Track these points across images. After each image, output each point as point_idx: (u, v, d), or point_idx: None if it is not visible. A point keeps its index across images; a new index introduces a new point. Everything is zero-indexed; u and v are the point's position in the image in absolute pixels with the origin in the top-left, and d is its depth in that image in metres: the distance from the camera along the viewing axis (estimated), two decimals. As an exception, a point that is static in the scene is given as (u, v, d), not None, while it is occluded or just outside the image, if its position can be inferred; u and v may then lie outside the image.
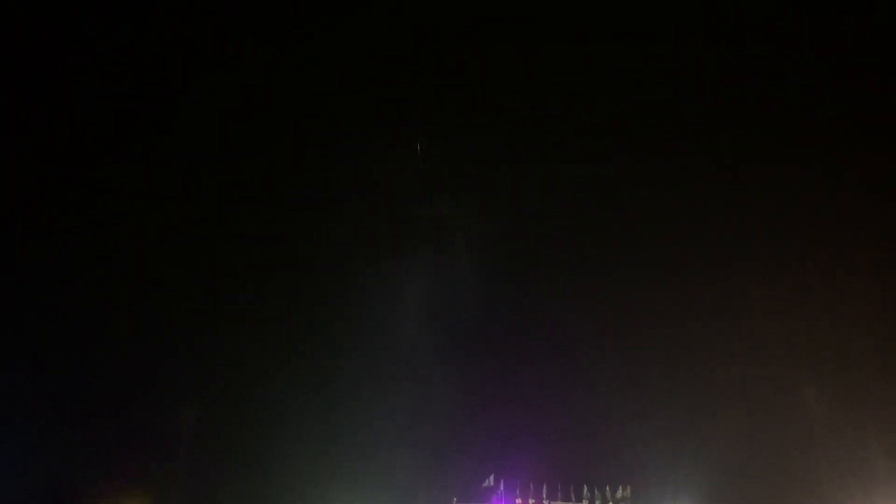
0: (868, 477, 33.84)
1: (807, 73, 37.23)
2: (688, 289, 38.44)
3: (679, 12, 38.24)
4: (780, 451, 35.52)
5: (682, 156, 39.16)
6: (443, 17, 39.06)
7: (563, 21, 39.16)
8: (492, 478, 39.35)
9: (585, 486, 38.55)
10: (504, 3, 39.75)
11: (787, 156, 38.10)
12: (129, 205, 40.38)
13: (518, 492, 39.14)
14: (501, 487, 38.98)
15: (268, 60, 39.98)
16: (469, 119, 40.11)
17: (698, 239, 38.72)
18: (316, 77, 40.56)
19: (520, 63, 39.82)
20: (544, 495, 38.91)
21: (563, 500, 38.65)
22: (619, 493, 38.19)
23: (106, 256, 39.86)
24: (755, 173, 39.28)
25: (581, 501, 38.46)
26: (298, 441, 36.99)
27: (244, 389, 38.08)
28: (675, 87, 38.80)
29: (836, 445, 34.81)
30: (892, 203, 36.59)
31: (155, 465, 36.44)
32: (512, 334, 40.90)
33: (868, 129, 37.15)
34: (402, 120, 40.25)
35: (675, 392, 36.81)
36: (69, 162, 39.14)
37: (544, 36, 39.16)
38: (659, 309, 38.45)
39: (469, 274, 40.55)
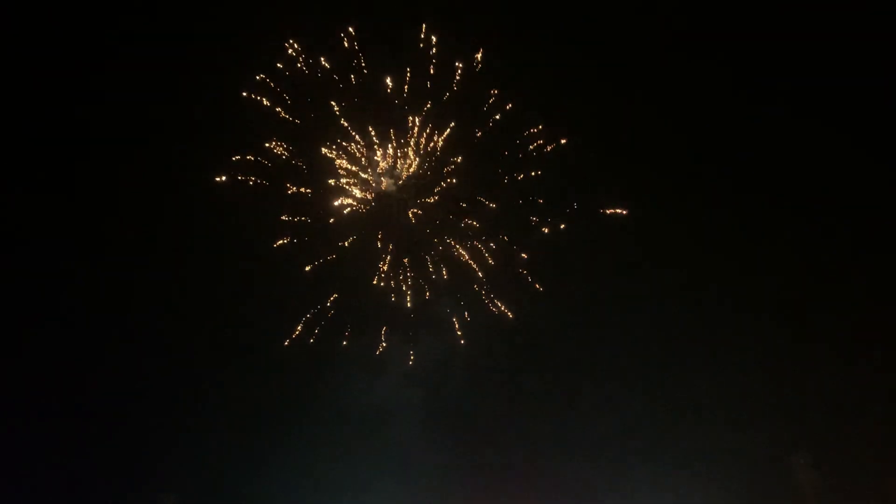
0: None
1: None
2: (675, 359, 38.24)
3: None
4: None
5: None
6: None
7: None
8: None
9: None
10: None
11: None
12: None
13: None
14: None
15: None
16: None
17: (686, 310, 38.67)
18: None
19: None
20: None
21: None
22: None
23: (81, 341, 37.99)
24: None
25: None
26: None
27: (223, 482, 36.63)
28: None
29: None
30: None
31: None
32: (500, 408, 40.38)
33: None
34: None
35: (666, 467, 36.40)
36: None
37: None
38: (647, 379, 38.17)
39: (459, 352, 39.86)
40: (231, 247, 36.41)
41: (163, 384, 37.43)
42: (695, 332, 37.63)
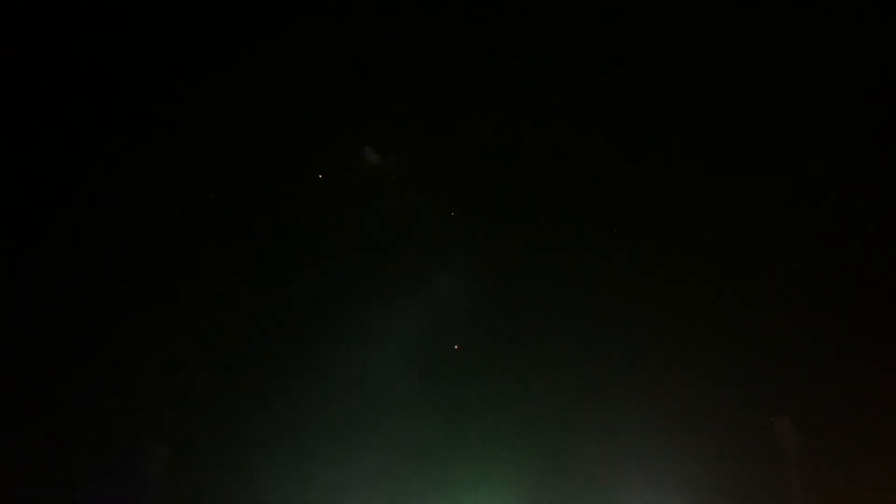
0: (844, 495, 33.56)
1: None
2: (660, 319, 38.13)
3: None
4: (757, 481, 35.28)
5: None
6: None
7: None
8: (470, 511, 38.98)
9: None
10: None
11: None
12: (98, 235, 39.56)
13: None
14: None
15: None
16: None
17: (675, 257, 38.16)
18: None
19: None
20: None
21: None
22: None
23: (73, 285, 39.19)
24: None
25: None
26: (271, 485, 36.50)
27: (215, 435, 37.54)
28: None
29: (812, 476, 34.63)
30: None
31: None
32: (491, 366, 40.42)
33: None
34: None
35: (649, 423, 36.51)
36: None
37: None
38: (631, 339, 38.09)
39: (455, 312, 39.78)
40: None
41: (155, 339, 38.63)
42: (679, 301, 37.68)
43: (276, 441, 34.21)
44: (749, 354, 35.02)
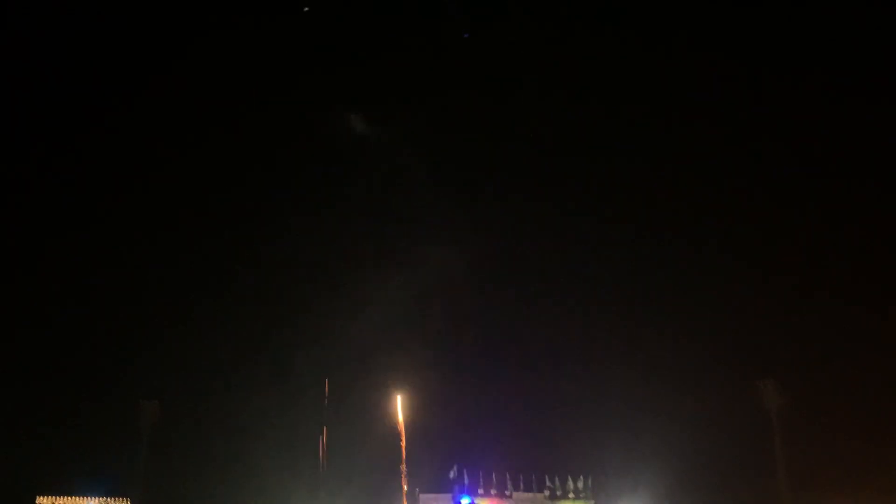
0: (824, 471, 34.32)
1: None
2: (646, 284, 38.56)
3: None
4: (738, 443, 36.08)
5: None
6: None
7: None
8: (456, 468, 39.67)
9: (547, 477, 39.10)
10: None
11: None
12: (88, 202, 39.65)
13: (481, 482, 39.57)
14: (465, 478, 39.32)
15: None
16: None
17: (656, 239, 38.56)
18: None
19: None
20: (507, 486, 39.38)
21: (525, 491, 39.14)
22: (580, 484, 38.77)
23: (66, 251, 39.43)
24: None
25: (543, 492, 39.02)
26: (258, 437, 37.16)
27: (203, 388, 38.08)
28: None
29: (793, 439, 35.46)
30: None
31: (113, 464, 36.75)
32: (478, 329, 40.99)
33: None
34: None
35: (635, 385, 37.19)
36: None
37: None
38: (619, 304, 38.57)
39: (439, 272, 40.06)
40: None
41: (152, 299, 39.01)
42: (675, 271, 38.25)
43: (263, 385, 34.20)
44: (736, 319, 34.72)
